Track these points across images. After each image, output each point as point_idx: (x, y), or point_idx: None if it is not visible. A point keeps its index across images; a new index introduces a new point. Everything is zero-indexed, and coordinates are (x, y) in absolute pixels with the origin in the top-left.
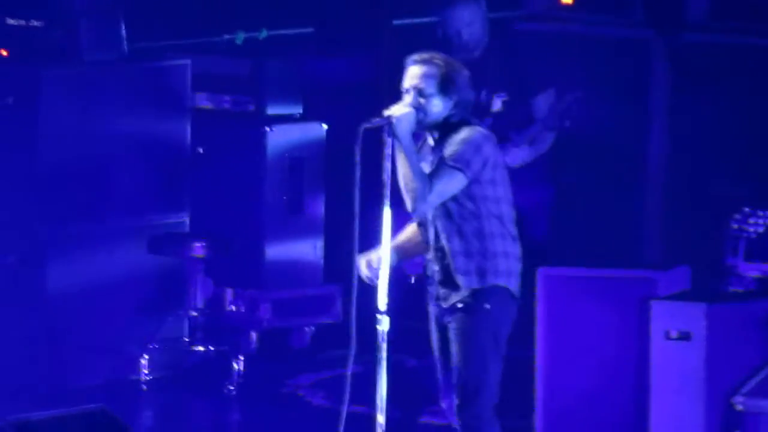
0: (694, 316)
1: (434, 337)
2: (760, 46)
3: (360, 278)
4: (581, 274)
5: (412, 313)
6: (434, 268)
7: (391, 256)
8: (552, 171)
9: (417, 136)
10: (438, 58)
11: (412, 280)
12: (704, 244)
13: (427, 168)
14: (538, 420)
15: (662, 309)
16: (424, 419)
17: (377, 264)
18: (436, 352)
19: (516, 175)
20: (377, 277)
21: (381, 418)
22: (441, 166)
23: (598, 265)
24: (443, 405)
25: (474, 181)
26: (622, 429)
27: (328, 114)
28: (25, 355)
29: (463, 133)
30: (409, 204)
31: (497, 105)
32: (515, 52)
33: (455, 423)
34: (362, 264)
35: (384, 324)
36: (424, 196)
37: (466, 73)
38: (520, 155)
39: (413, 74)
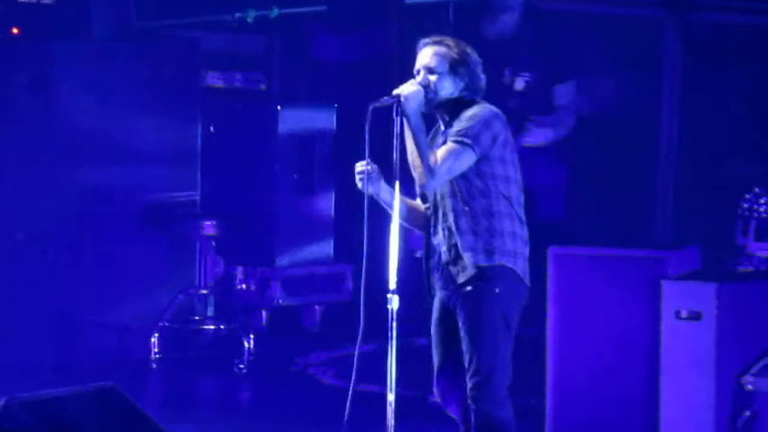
0: (704, 296)
1: (435, 319)
2: None
3: (369, 257)
4: (592, 253)
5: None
6: (442, 249)
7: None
8: (567, 152)
9: (428, 120)
10: (450, 40)
11: (418, 255)
12: (715, 224)
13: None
14: (549, 399)
15: (673, 288)
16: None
17: (372, 169)
18: (435, 336)
19: (532, 156)
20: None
21: (391, 397)
22: (449, 142)
23: (610, 244)
24: (436, 391)
25: (483, 158)
26: (632, 408)
27: (339, 92)
28: (36, 332)
29: (472, 110)
30: (417, 181)
31: (520, 84)
32: (542, 32)
33: (447, 409)
34: (361, 164)
35: (394, 303)
36: (433, 173)
37: (477, 57)
38: (541, 136)
39: (425, 55)
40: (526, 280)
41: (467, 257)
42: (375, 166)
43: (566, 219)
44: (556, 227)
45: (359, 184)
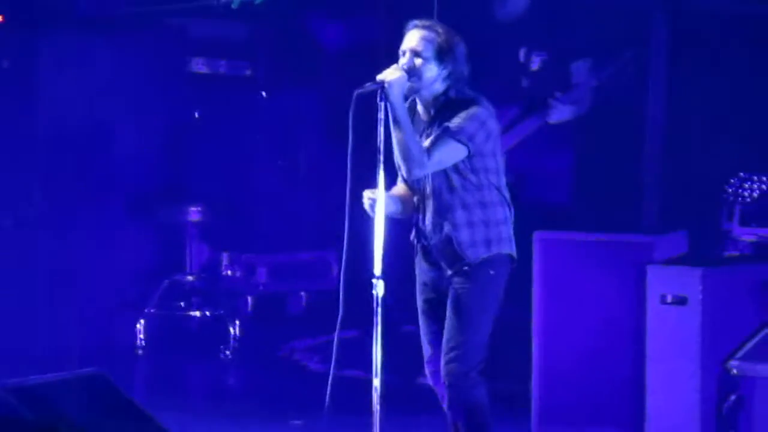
0: (690, 281)
1: (423, 300)
2: (760, 14)
3: (350, 243)
4: (578, 237)
5: (411, 278)
6: (432, 241)
7: (390, 205)
8: (573, 135)
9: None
10: (439, 26)
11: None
12: (701, 209)
13: (423, 141)
14: (534, 384)
15: (658, 273)
16: (420, 381)
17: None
18: (424, 316)
19: (539, 141)
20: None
21: (377, 382)
22: (443, 136)
23: (596, 229)
24: (427, 369)
25: (477, 154)
26: (618, 392)
27: (324, 78)
28: (22, 318)
29: (469, 108)
30: (404, 168)
31: (535, 64)
32: (555, 11)
33: (437, 387)
34: (366, 195)
35: (379, 288)
36: (419, 162)
37: (463, 47)
38: (566, 112)
39: (412, 37)
40: (515, 256)
41: (468, 254)
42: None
43: (572, 203)
44: (563, 211)
45: (368, 209)
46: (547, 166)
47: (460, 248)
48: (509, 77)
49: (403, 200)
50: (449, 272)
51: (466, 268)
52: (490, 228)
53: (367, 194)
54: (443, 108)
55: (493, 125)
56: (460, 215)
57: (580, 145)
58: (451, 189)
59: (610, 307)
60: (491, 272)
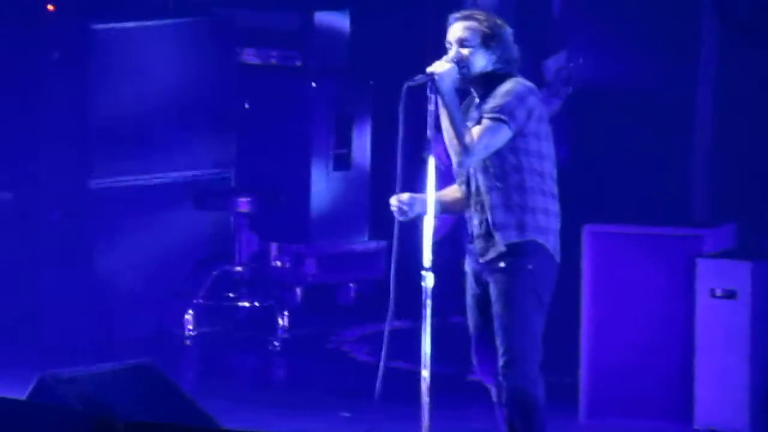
0: (739, 274)
1: (469, 294)
2: None
3: (400, 234)
4: (628, 230)
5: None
6: (474, 222)
7: (435, 206)
8: (567, 133)
9: (463, 95)
10: (480, 13)
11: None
12: (751, 202)
13: (472, 126)
14: (583, 377)
15: (708, 267)
16: (471, 377)
17: (407, 200)
18: (471, 310)
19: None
20: (402, 215)
21: (426, 374)
22: (484, 119)
23: (645, 222)
24: (474, 361)
25: (518, 134)
26: (667, 386)
27: (375, 69)
28: (72, 309)
29: (507, 85)
30: (454, 159)
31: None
32: (529, 11)
33: (484, 380)
34: (394, 199)
35: (429, 281)
36: (469, 150)
37: (509, 29)
38: (551, 105)
39: (456, 29)
40: (557, 256)
41: (498, 235)
42: (406, 199)
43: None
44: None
45: (396, 215)
46: (595, 158)
47: (493, 229)
48: None
49: (444, 200)
50: (485, 260)
51: (501, 263)
52: (526, 213)
53: (393, 201)
54: (490, 89)
55: (535, 103)
56: (495, 197)
57: (627, 136)
58: (489, 170)
59: (659, 300)
60: (529, 267)
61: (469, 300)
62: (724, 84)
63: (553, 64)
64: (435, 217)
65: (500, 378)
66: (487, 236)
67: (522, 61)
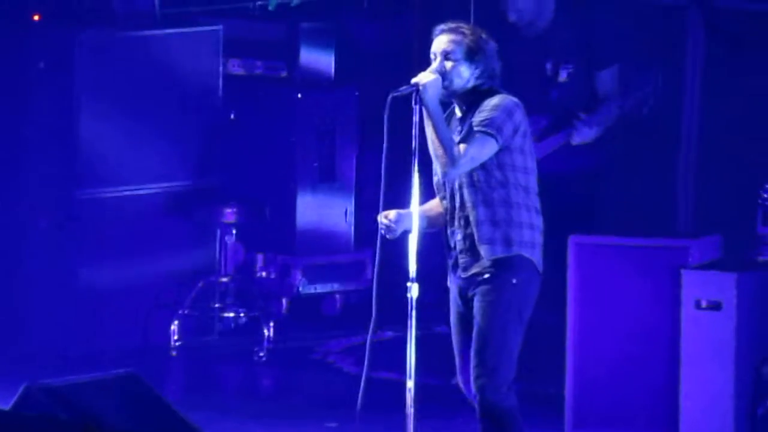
0: (724, 286)
1: (453, 311)
2: None
3: (383, 245)
4: (613, 241)
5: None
6: (457, 237)
7: (419, 221)
8: (603, 138)
9: (445, 106)
10: (465, 27)
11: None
12: (736, 213)
13: (456, 138)
14: (568, 388)
15: (693, 278)
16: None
17: (394, 218)
18: (455, 328)
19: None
20: (389, 232)
21: (410, 384)
22: (472, 132)
23: (630, 233)
24: (459, 380)
25: (504, 149)
26: (652, 397)
27: (360, 79)
28: (56, 319)
29: (494, 100)
30: (439, 170)
31: (563, 76)
32: (583, 22)
33: (470, 397)
34: (381, 217)
35: (414, 291)
36: (454, 162)
37: (493, 43)
38: (588, 134)
39: (441, 41)
40: (540, 269)
41: (484, 250)
42: (393, 216)
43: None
44: (579, 214)
45: (383, 233)
46: (582, 168)
47: (479, 243)
48: (538, 89)
49: (429, 215)
50: (469, 274)
51: (486, 275)
52: (512, 228)
53: (381, 219)
54: (474, 104)
55: (521, 118)
56: (482, 212)
57: (613, 148)
58: (475, 184)
59: (644, 311)
60: (513, 281)
61: (453, 318)
62: (710, 96)
63: (609, 75)
64: (420, 233)
65: (473, 389)
66: (472, 251)
67: (575, 73)
